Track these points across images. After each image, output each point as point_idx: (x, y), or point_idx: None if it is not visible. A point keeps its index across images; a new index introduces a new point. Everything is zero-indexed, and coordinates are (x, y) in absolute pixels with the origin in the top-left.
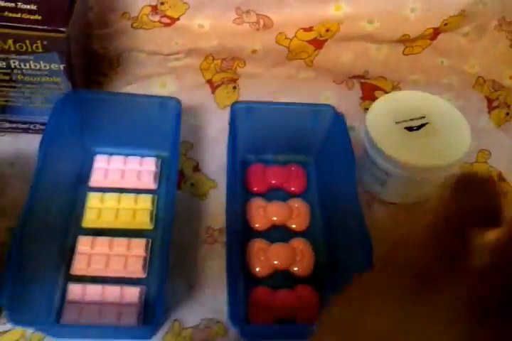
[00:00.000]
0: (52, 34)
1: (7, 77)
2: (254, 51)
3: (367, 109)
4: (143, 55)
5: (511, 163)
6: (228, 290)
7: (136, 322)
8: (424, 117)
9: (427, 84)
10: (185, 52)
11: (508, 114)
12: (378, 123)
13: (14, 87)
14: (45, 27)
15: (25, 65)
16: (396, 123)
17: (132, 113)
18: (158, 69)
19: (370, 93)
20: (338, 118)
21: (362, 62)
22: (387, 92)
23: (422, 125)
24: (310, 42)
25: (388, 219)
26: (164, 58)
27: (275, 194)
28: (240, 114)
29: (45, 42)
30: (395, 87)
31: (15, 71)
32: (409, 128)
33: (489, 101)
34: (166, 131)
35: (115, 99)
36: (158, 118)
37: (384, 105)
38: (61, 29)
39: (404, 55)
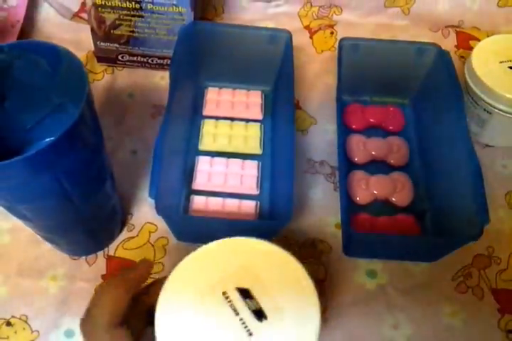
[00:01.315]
0: None
1: (138, 6)
2: None
3: (462, 56)
4: (245, 2)
5: None
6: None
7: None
8: None
9: None
10: None
11: None
12: (483, 60)
13: (142, 17)
14: None
15: None
16: (500, 62)
17: (244, 46)
18: (260, 15)
19: (464, 42)
20: (444, 56)
21: (457, 12)
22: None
23: None
24: None
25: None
26: (265, 5)
27: (374, 132)
28: (346, 52)
29: None
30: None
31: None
32: None
33: None
34: (272, 64)
35: (230, 32)
36: (267, 51)
37: (489, 45)
38: None
39: (498, 6)
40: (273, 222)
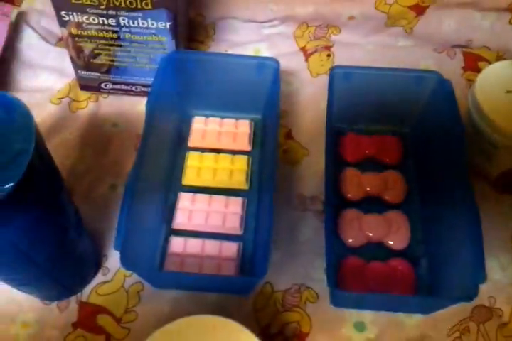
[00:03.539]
0: None
1: (115, 35)
2: (351, 17)
3: (469, 79)
4: (238, 23)
5: None
6: (326, 257)
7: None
8: None
9: None
10: (280, 19)
11: None
12: (488, 91)
13: (121, 46)
14: None
15: (133, 23)
16: (507, 92)
17: (230, 74)
18: (253, 36)
19: (472, 63)
20: (445, 85)
21: (465, 31)
22: (490, 63)
23: None
24: (411, 8)
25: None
26: (259, 25)
27: (369, 164)
28: (338, 80)
29: None
30: (500, 58)
31: (123, 29)
32: None
33: None
34: (261, 92)
35: (215, 60)
36: (255, 79)
37: (494, 73)
38: None
39: (510, 24)
40: (247, 278)
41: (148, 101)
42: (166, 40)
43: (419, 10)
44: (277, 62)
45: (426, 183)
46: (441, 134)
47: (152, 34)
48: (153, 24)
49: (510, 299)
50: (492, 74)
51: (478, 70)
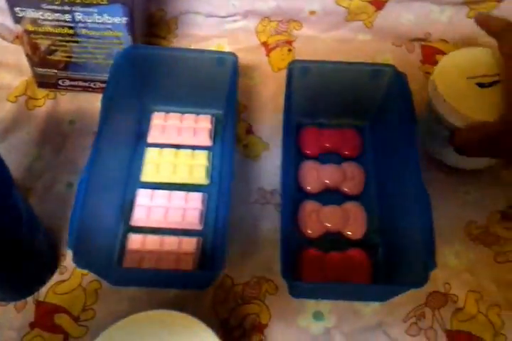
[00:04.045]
0: None
1: (72, 31)
2: (312, 12)
3: (427, 72)
4: (200, 18)
5: None
6: (281, 248)
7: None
8: (498, 74)
9: (492, 48)
10: (242, 14)
11: None
12: (447, 77)
13: (77, 42)
14: None
15: (89, 18)
16: (467, 78)
17: (189, 69)
18: (215, 31)
19: (430, 56)
20: (400, 77)
21: (423, 25)
22: None
23: (495, 82)
24: (371, 2)
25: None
26: (221, 20)
27: (329, 157)
28: (296, 74)
29: None
30: None
31: (79, 25)
32: (481, 85)
33: None
34: (222, 87)
35: (173, 55)
36: (215, 74)
37: (455, 59)
38: None
39: (468, 17)
40: (204, 273)
41: (103, 98)
42: (122, 36)
43: (379, 4)
44: (236, 57)
45: (383, 174)
46: (396, 126)
47: (108, 29)
48: (109, 19)
49: (465, 285)
50: (452, 62)
51: (436, 63)
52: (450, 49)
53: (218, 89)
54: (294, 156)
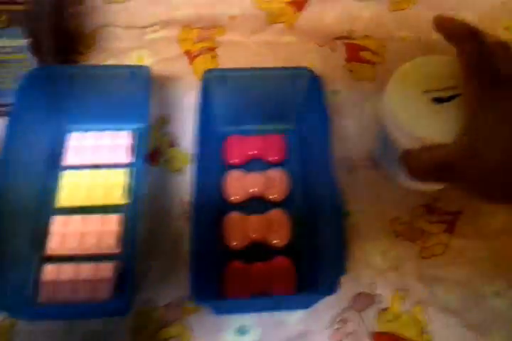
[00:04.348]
0: (12, 7)
1: None
2: (232, 17)
3: (351, 70)
4: (118, 30)
5: None
6: (190, 265)
7: (112, 297)
8: (456, 87)
9: (415, 41)
10: (162, 23)
11: None
12: (400, 92)
13: None
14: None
15: None
16: (423, 92)
17: (103, 85)
18: (135, 43)
19: (355, 53)
20: (315, 80)
21: (346, 22)
22: (374, 53)
23: (454, 96)
24: (290, 4)
25: None
26: (140, 31)
27: (254, 165)
28: (213, 83)
29: (6, 17)
30: (381, 46)
31: None
32: (439, 100)
33: None
34: (140, 101)
35: (83, 73)
36: (129, 88)
37: (409, 71)
38: (19, 1)
39: (390, 11)
40: (116, 300)
41: (9, 122)
42: (27, 58)
43: (299, 5)
44: (147, 69)
45: (307, 179)
46: (314, 129)
47: (11, 53)
48: (10, 42)
49: (390, 284)
50: (405, 75)
51: (361, 60)
52: (374, 45)
53: (137, 103)
54: (218, 167)
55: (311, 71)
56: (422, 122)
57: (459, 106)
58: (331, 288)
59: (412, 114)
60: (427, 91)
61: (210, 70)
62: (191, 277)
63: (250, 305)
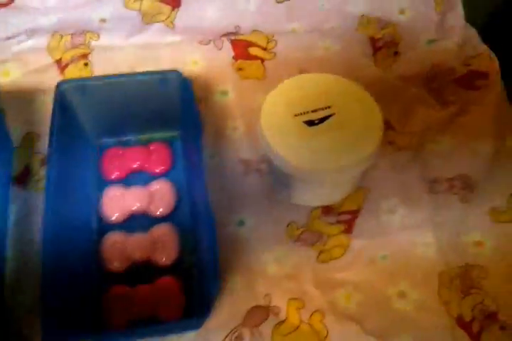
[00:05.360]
0: None
1: None
2: (103, 20)
3: (240, 68)
4: None
5: None
6: (41, 298)
7: None
8: (329, 107)
9: (306, 32)
10: (26, 33)
11: (396, 53)
12: (272, 117)
13: None
14: None
15: None
16: (295, 116)
17: None
18: (4, 55)
19: (242, 50)
20: (185, 83)
21: (230, 17)
22: (263, 48)
23: (326, 117)
24: (164, 1)
25: None
26: (5, 43)
27: (138, 178)
28: (72, 94)
29: None
30: (271, 40)
31: None
32: (310, 122)
33: (374, 41)
34: None
35: None
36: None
37: (281, 93)
38: None
39: (277, 2)
40: None
41: None
42: None
43: (174, 2)
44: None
45: (193, 188)
46: (190, 135)
47: None
48: None
49: (286, 293)
50: (277, 98)
51: (250, 57)
52: (263, 39)
53: None
54: (95, 184)
55: (179, 73)
56: (294, 147)
57: (329, 129)
58: (203, 311)
59: (284, 140)
60: (298, 115)
61: (64, 81)
62: (42, 321)
63: (131, 335)
